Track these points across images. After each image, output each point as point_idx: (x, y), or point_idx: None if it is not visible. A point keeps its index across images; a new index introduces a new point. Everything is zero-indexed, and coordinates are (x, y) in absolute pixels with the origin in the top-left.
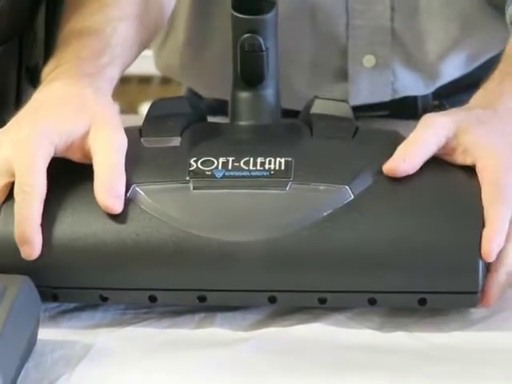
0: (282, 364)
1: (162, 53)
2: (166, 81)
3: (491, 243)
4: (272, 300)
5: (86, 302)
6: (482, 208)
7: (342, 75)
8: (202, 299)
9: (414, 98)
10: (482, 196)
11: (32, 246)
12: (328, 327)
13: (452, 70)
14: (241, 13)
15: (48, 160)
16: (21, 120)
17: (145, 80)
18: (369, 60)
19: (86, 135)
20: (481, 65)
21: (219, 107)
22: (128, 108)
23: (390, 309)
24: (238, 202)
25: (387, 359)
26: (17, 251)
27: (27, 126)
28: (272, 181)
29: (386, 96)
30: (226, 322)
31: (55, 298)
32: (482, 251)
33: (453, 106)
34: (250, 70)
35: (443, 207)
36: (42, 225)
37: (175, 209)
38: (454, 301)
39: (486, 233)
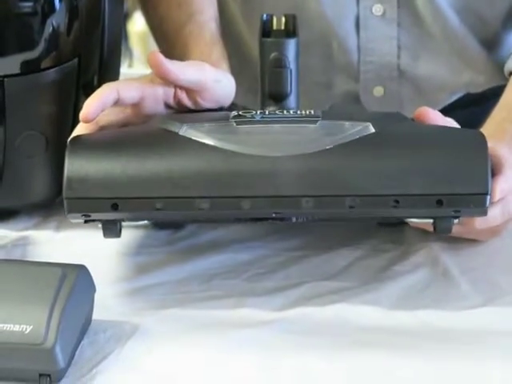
0: (301, 344)
1: None
2: None
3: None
4: (306, 203)
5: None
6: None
7: (355, 98)
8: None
9: None
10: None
11: (86, 109)
12: (343, 311)
13: (454, 96)
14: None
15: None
16: None
17: None
18: (378, 91)
19: None
20: None
21: None
22: None
23: (399, 297)
24: (275, 132)
25: (393, 340)
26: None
27: None
28: (304, 119)
29: None
30: (255, 305)
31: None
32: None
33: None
34: (276, 86)
35: (457, 139)
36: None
37: (220, 137)
38: (467, 201)
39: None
